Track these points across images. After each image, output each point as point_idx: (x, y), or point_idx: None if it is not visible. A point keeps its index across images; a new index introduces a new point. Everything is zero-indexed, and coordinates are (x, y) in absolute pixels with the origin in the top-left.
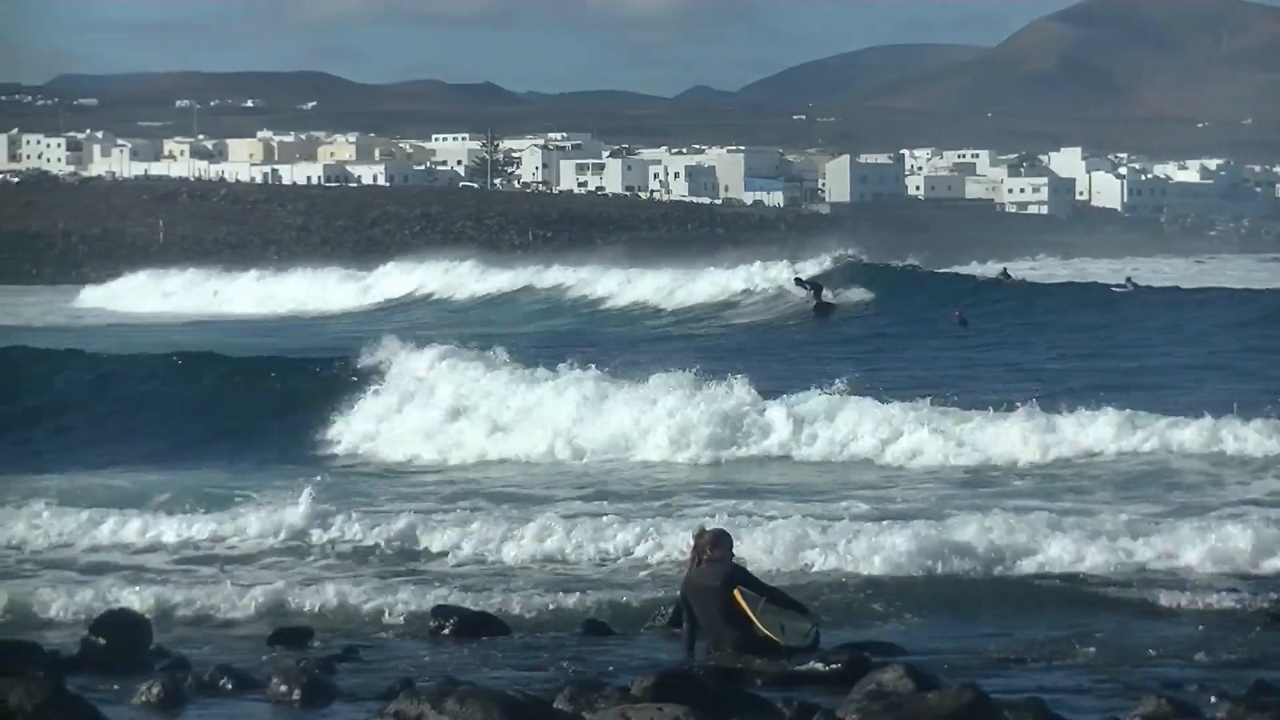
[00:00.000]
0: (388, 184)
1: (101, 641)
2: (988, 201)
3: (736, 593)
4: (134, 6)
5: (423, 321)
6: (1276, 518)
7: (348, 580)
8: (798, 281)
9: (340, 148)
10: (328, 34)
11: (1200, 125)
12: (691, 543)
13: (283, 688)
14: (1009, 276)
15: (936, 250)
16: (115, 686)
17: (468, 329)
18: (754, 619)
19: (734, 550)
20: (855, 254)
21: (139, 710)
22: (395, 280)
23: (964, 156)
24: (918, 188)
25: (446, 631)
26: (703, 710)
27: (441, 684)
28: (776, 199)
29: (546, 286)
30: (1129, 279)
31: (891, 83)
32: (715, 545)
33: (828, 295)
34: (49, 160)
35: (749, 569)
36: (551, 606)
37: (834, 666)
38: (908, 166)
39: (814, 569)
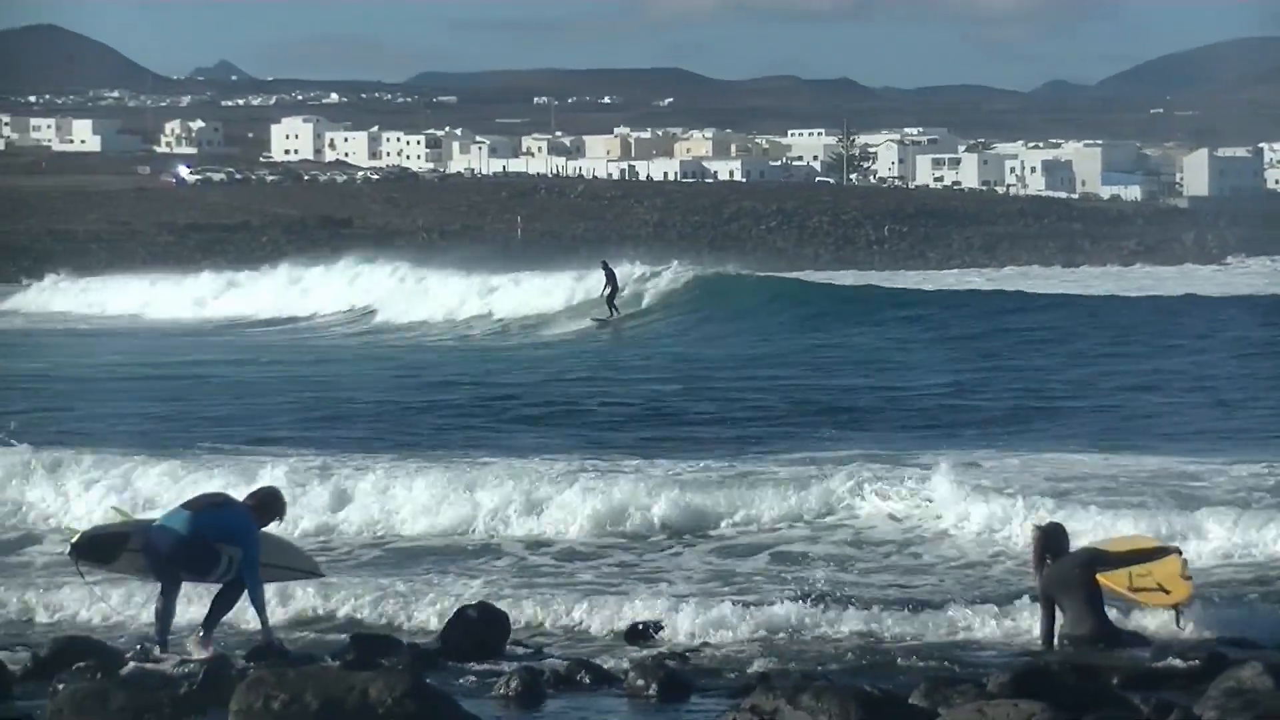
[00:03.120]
0: (744, 180)
1: (461, 635)
2: None
3: (1099, 576)
4: (495, 5)
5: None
6: None
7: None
8: (604, 266)
9: (697, 144)
10: (685, 30)
11: None
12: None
13: (640, 682)
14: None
15: None
16: (474, 679)
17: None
18: (1128, 594)
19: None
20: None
21: (497, 703)
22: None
23: None
24: (1277, 181)
25: None
26: (1059, 707)
27: (797, 679)
28: (1134, 193)
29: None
30: None
31: (1251, 75)
32: (1056, 539)
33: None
34: (409, 157)
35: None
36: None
37: (1192, 663)
38: (1266, 160)
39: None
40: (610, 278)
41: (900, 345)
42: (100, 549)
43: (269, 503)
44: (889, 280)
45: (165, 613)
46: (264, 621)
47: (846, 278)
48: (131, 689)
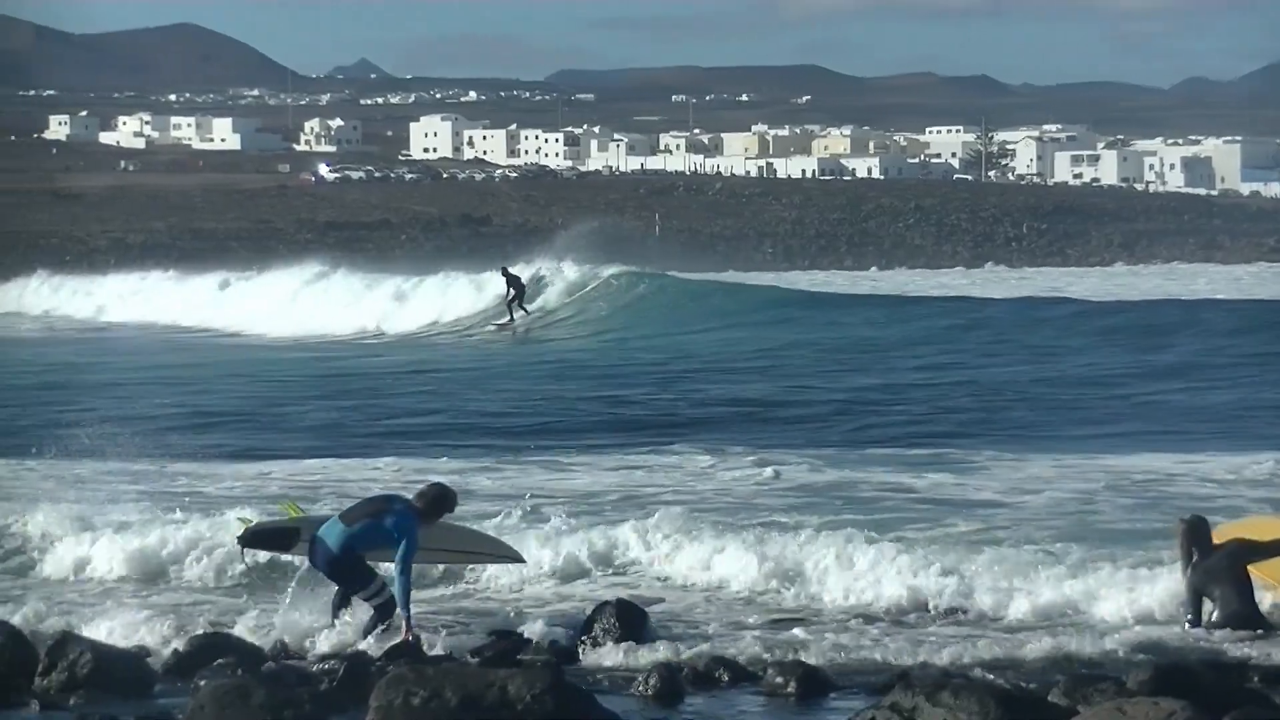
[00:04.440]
0: (881, 177)
1: (598, 632)
2: None
3: (1248, 567)
4: (633, 3)
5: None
6: None
7: None
8: (504, 272)
9: (835, 141)
10: (823, 27)
11: None
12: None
13: (778, 679)
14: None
15: None
16: (613, 676)
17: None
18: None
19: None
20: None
21: (636, 700)
22: None
23: None
24: None
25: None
26: (1199, 705)
27: (936, 677)
28: (1275, 190)
29: None
30: None
31: None
32: (1201, 532)
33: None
34: (547, 155)
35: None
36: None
37: None
38: None
39: None
40: (513, 283)
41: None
42: (266, 544)
43: (438, 500)
44: (1025, 276)
45: (341, 599)
46: (407, 620)
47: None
48: (272, 685)
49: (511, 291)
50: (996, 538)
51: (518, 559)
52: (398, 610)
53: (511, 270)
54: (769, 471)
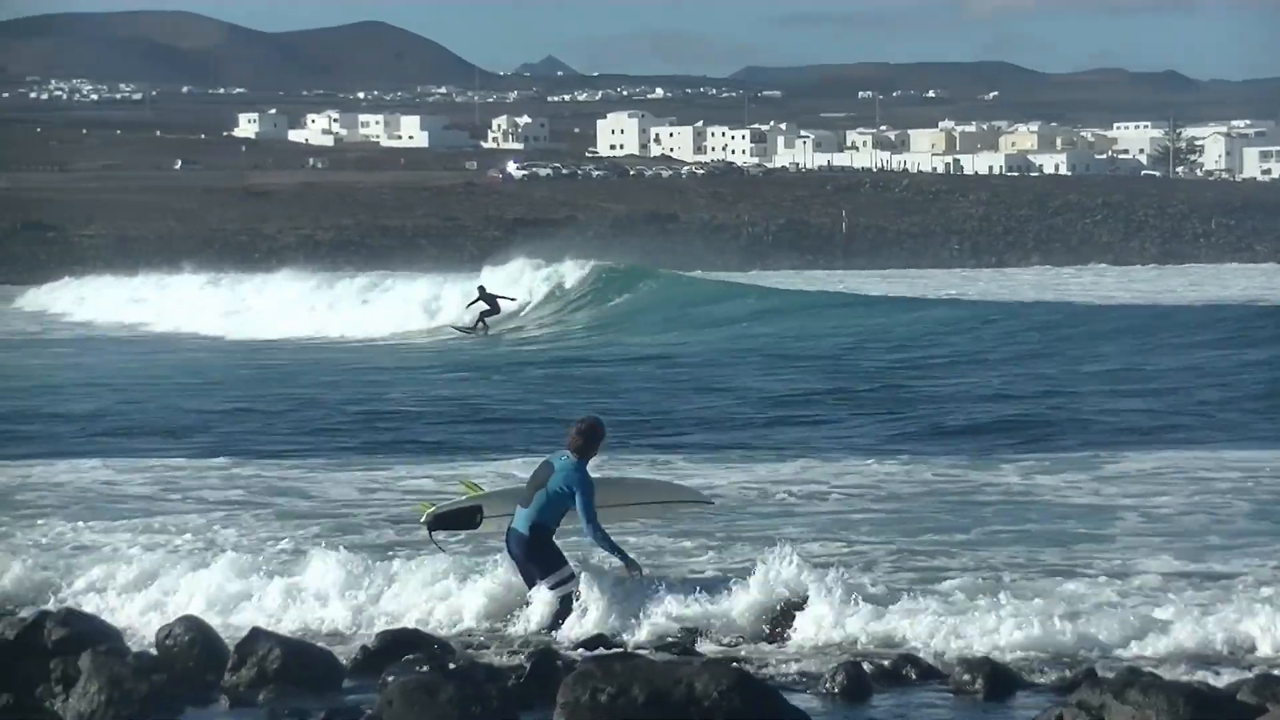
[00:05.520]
0: (1069, 173)
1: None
2: None
3: None
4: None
5: None
6: None
7: None
8: (481, 290)
9: (1022, 137)
10: (1009, 23)
11: None
12: None
13: (966, 677)
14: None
15: None
16: (798, 674)
17: None
18: None
19: None
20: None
21: (823, 699)
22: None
23: None
24: None
25: None
26: None
27: (1124, 675)
28: None
29: None
30: None
31: None
32: None
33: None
34: (733, 152)
35: None
36: None
37: None
38: None
39: None
40: (487, 301)
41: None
42: (451, 526)
43: (589, 433)
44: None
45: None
46: (626, 560)
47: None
48: (460, 681)
49: (481, 303)
50: None
51: (707, 502)
52: (578, 586)
53: (491, 291)
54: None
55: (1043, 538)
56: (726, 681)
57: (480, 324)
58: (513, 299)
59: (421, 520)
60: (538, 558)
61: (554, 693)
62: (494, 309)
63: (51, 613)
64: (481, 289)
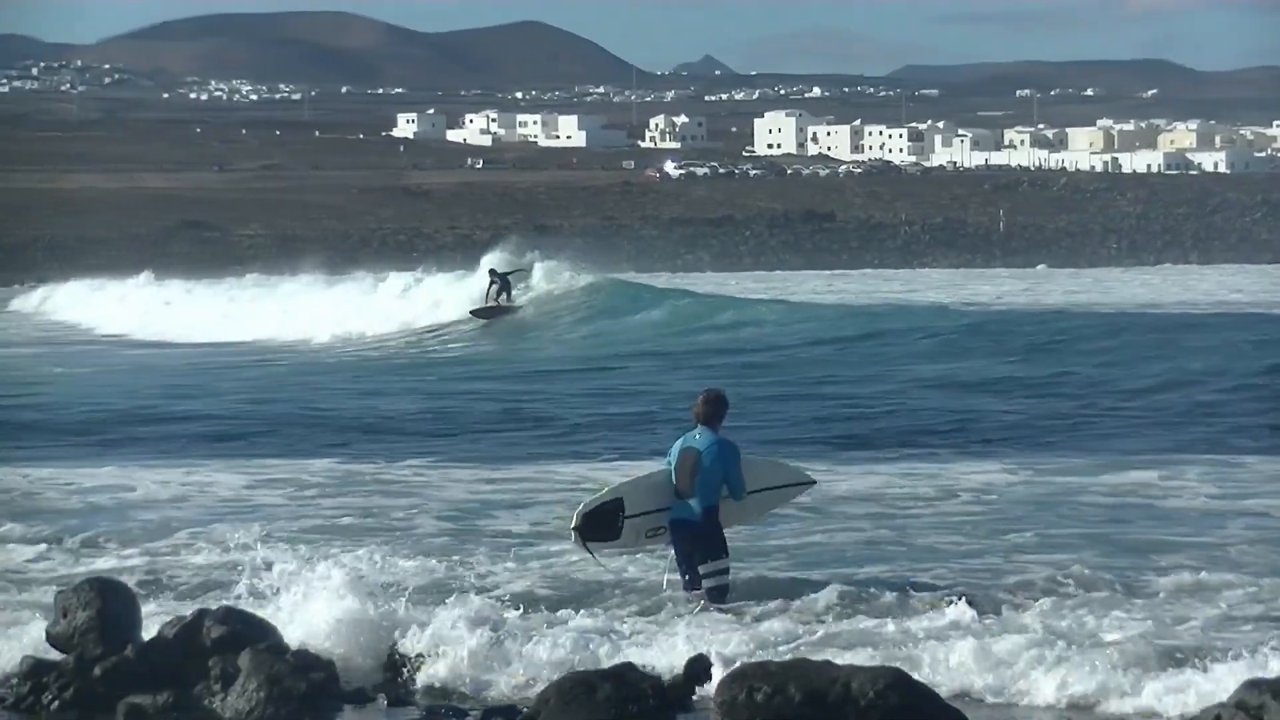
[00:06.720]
0: (1228, 171)
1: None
2: None
3: None
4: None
5: None
6: None
7: None
8: (492, 273)
9: (1180, 135)
10: (1168, 21)
11: None
12: None
13: None
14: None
15: None
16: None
17: None
18: None
19: None
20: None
21: (975, 705)
22: None
23: None
24: None
25: None
26: None
27: None
28: None
29: None
30: None
31: None
32: None
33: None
34: (891, 150)
35: None
36: None
37: None
38: None
39: None
40: (498, 280)
41: None
42: (600, 523)
43: (716, 402)
44: None
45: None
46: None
47: None
48: (617, 681)
49: (496, 288)
50: None
51: (811, 482)
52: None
53: (500, 270)
54: None
55: None
56: (883, 681)
57: (503, 298)
58: (523, 269)
59: (571, 526)
60: (708, 543)
61: (710, 691)
62: (507, 286)
63: (210, 611)
64: (492, 271)
